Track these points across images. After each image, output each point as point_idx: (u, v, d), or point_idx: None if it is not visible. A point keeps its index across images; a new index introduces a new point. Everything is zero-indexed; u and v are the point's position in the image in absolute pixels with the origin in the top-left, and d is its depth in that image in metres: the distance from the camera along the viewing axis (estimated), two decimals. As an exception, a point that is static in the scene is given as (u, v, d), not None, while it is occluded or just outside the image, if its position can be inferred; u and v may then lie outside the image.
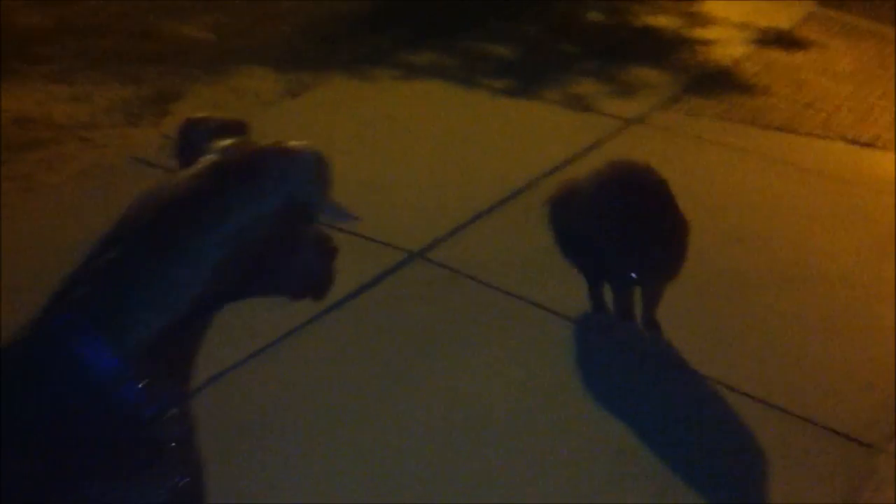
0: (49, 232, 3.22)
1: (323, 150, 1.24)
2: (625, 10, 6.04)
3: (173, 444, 1.12)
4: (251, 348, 2.67)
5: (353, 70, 4.90)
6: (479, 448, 2.38)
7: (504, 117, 4.45)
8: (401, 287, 3.03)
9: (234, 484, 2.16)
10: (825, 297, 3.07)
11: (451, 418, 2.48)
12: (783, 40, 5.58)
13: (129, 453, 1.08)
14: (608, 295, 2.84)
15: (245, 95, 4.51)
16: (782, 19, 5.91)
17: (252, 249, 1.16)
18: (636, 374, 2.68)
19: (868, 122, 4.46)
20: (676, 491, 2.26)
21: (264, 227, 1.16)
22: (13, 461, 1.02)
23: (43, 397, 1.04)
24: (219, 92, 4.51)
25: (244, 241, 1.14)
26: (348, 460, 2.33)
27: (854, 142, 4.27)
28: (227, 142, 1.20)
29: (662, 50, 5.36)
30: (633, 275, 2.58)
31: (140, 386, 1.07)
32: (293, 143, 1.21)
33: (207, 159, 1.17)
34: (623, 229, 2.56)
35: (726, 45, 5.46)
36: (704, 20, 5.93)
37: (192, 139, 1.23)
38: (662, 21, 5.89)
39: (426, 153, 4.03)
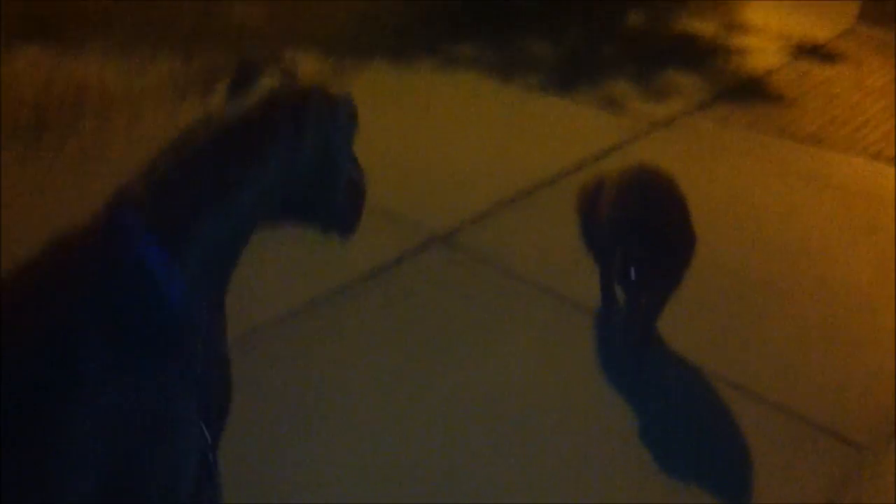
0: (99, 200, 3.38)
1: (362, 133, 1.40)
2: (664, 15, 6.14)
3: (201, 338, 1.22)
4: (272, 323, 2.77)
5: (399, 58, 5.08)
6: (489, 437, 2.43)
7: (536, 113, 4.60)
8: (424, 270, 3.19)
9: (250, 451, 2.26)
10: (842, 309, 3.10)
11: (463, 407, 2.53)
12: (818, 53, 5.65)
13: (162, 332, 1.19)
14: (618, 293, 2.95)
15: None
16: (820, 32, 5.98)
17: (293, 177, 1.32)
18: (645, 370, 2.79)
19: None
20: (677, 489, 2.32)
21: (305, 159, 1.33)
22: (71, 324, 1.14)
23: (102, 280, 1.18)
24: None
25: (286, 168, 1.31)
26: (362, 442, 2.36)
27: (880, 157, 4.32)
28: (277, 81, 1.37)
29: (697, 56, 5.46)
30: (633, 276, 2.68)
31: (184, 282, 1.19)
32: (335, 90, 1.38)
33: (262, 95, 1.34)
34: (631, 235, 2.67)
35: (761, 55, 5.54)
36: (743, 28, 6.01)
37: (247, 77, 1.39)
38: (700, 27, 5.98)
39: (460, 141, 4.19)
